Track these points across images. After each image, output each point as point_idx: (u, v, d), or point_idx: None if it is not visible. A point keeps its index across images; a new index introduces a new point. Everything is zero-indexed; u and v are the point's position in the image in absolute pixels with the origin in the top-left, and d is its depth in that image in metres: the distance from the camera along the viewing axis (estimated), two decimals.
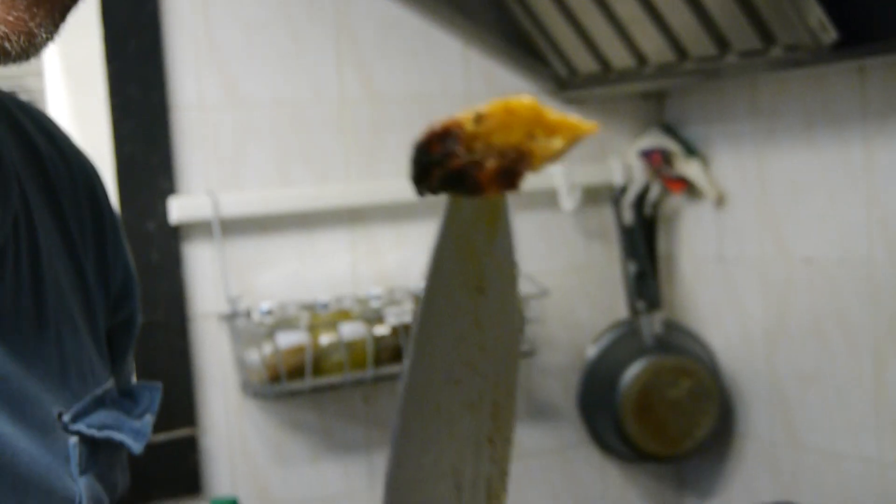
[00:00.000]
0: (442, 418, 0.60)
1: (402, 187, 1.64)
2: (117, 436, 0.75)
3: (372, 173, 1.70)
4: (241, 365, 1.58)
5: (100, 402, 0.75)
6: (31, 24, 0.61)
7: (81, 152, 0.85)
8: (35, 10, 0.61)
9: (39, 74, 1.75)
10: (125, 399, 0.80)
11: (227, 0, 1.61)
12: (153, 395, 0.82)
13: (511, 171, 0.54)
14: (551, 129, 0.54)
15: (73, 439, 0.71)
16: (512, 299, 0.62)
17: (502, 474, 0.65)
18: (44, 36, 0.62)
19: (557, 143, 0.54)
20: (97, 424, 0.73)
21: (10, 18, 0.60)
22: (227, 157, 1.61)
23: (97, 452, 0.73)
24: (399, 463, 0.60)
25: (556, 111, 0.54)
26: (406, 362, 0.58)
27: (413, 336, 0.58)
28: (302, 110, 1.65)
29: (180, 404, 1.56)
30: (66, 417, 0.71)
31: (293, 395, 1.57)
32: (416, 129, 1.61)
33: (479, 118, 0.53)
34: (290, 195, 1.63)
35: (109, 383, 0.78)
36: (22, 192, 0.74)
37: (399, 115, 1.72)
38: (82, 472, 0.71)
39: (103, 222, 0.82)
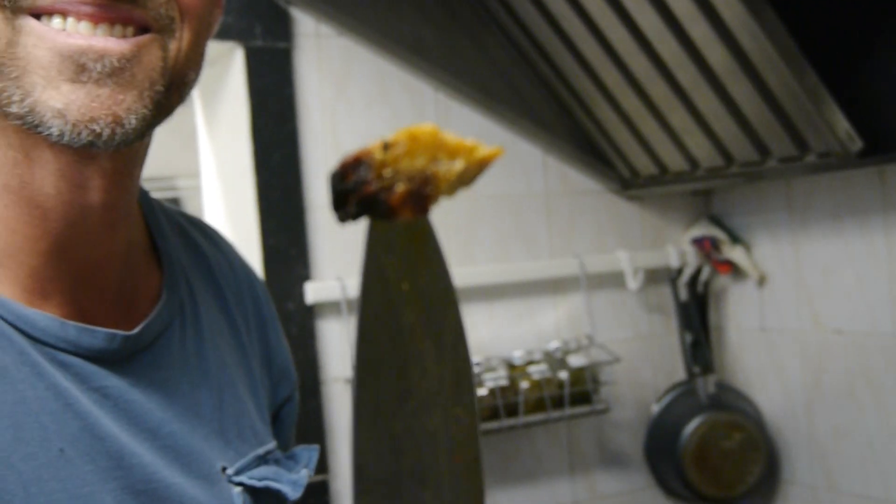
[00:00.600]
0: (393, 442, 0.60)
1: (493, 271, 1.92)
2: (275, 485, 0.79)
3: (468, 260, 1.95)
4: None
5: (262, 460, 0.80)
6: (117, 110, 0.63)
7: (243, 258, 0.94)
8: (120, 97, 0.63)
9: (195, 176, 1.99)
10: (287, 459, 0.85)
11: (351, 117, 1.86)
12: (311, 454, 0.86)
13: (420, 194, 0.56)
14: (452, 153, 0.56)
15: (238, 489, 0.75)
16: (452, 314, 0.61)
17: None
18: (133, 123, 0.64)
19: (459, 164, 0.56)
20: (258, 476, 0.78)
21: (95, 105, 0.62)
22: (351, 247, 1.85)
23: (259, 501, 0.78)
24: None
25: (455, 136, 0.56)
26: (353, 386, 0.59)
27: (354, 363, 0.58)
28: None
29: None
30: (230, 471, 0.75)
31: None
32: (504, 223, 1.92)
33: (386, 146, 0.55)
34: None
35: (272, 445, 0.83)
36: (189, 285, 0.82)
37: (489, 211, 1.98)
38: None
39: (264, 316, 0.91)
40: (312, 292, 1.81)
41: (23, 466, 0.63)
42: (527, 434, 1.98)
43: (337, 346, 1.84)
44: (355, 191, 0.55)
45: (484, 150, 0.57)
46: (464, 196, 1.83)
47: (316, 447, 0.88)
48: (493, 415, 1.83)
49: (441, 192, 0.56)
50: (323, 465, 1.80)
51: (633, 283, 2.04)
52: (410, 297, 0.59)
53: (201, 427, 0.76)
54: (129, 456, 0.69)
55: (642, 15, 1.66)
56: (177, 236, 0.86)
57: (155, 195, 0.88)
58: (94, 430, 0.67)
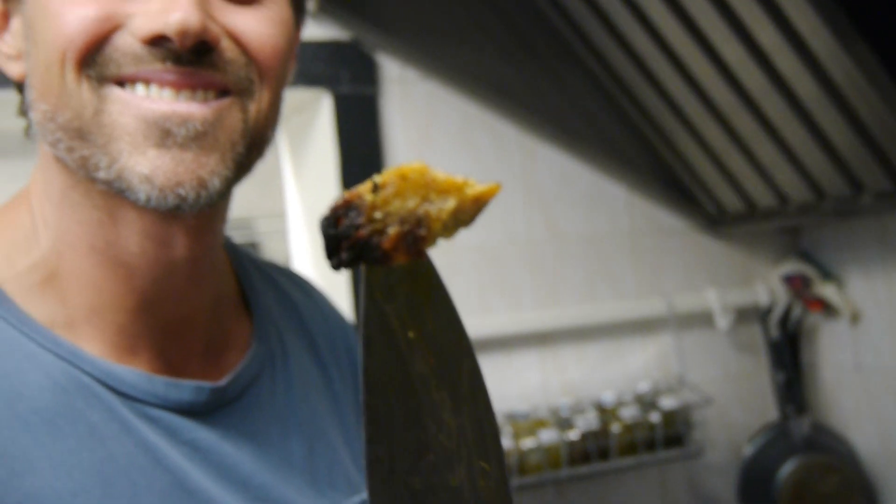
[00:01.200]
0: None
1: (581, 312, 1.88)
2: None
3: (555, 301, 1.92)
4: None
5: None
6: (201, 173, 0.64)
7: (335, 307, 0.94)
8: (204, 160, 0.64)
9: (275, 217, 1.98)
10: None
11: (437, 161, 1.83)
12: None
13: (413, 236, 0.53)
14: (443, 191, 0.54)
15: None
16: (467, 362, 0.59)
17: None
18: (216, 184, 0.65)
19: (451, 203, 0.54)
20: None
21: (180, 169, 0.63)
22: None
23: None
24: None
25: (445, 173, 0.53)
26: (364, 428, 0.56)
27: (363, 408, 0.56)
28: (498, 249, 1.89)
29: None
30: None
31: None
32: (591, 264, 1.88)
33: (376, 187, 0.52)
34: (490, 322, 1.86)
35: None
36: (279, 336, 0.82)
37: (576, 251, 1.95)
38: None
39: (357, 363, 0.90)
40: None
41: None
42: (618, 478, 1.94)
43: None
44: (347, 236, 0.52)
45: (477, 188, 0.55)
46: (549, 237, 1.82)
47: None
48: (584, 458, 1.79)
49: (436, 233, 0.54)
50: None
51: (722, 321, 1.99)
52: (418, 345, 0.56)
53: (293, 477, 0.75)
54: None
55: (727, 47, 1.63)
56: (267, 287, 0.87)
57: (235, 238, 0.88)
58: (185, 484, 0.67)
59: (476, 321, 1.85)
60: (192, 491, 0.68)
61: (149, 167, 0.63)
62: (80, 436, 0.65)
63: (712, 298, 1.99)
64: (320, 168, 1.84)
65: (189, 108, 0.64)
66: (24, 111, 0.72)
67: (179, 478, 0.67)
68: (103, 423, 0.66)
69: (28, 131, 0.72)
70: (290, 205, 2.00)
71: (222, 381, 0.74)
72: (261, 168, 0.75)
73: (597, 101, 1.94)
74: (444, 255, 1.84)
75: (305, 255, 1.93)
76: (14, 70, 0.71)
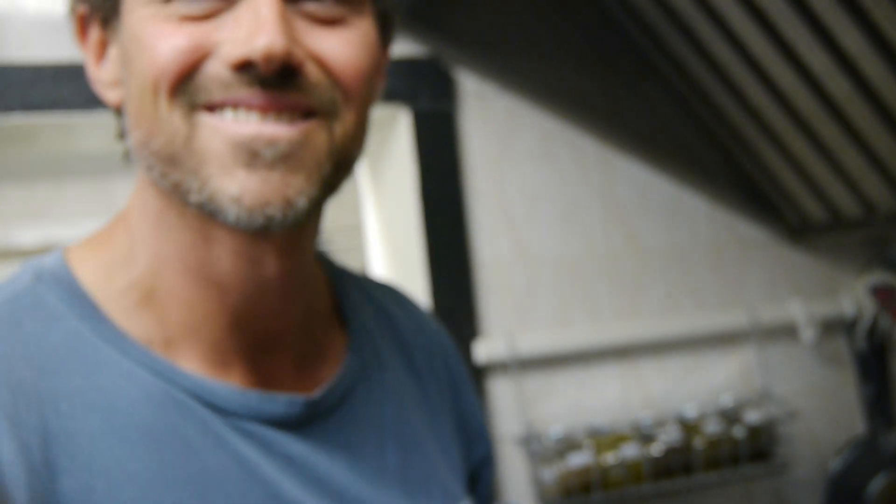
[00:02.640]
0: None
1: (662, 325, 1.83)
2: None
3: (636, 314, 1.86)
4: (537, 481, 1.75)
5: None
6: (288, 193, 0.64)
7: (435, 323, 0.94)
8: (291, 180, 0.65)
9: (351, 231, 1.96)
10: None
11: (516, 176, 1.81)
12: None
13: None
14: None
15: None
16: None
17: None
18: (303, 204, 0.65)
19: None
20: None
21: (267, 189, 0.64)
22: (520, 304, 1.79)
23: None
24: None
25: None
26: None
27: None
28: (578, 263, 1.84)
29: None
30: None
31: None
32: (672, 276, 1.83)
33: None
34: (571, 335, 1.81)
35: (465, 502, 0.82)
36: (375, 348, 0.83)
37: (657, 264, 1.89)
38: None
39: (455, 378, 0.91)
40: (482, 351, 1.75)
41: None
42: (701, 494, 1.87)
43: (506, 405, 1.77)
44: None
45: None
46: (629, 249, 1.75)
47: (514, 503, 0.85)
48: (667, 473, 1.73)
49: None
50: None
51: (807, 333, 1.91)
52: None
53: (388, 488, 0.75)
54: None
55: (811, 54, 1.56)
56: (363, 300, 0.87)
57: None
58: (280, 496, 0.67)
59: (556, 335, 1.81)
60: (287, 503, 0.68)
61: (238, 188, 0.64)
62: (176, 449, 0.65)
63: (796, 310, 1.91)
64: (398, 184, 1.81)
65: (275, 129, 0.65)
66: (122, 135, 0.73)
67: (274, 490, 0.67)
68: (198, 436, 0.67)
69: (127, 156, 0.73)
70: (368, 220, 1.97)
71: (316, 394, 0.74)
72: None
73: (676, 112, 1.89)
74: (524, 269, 1.80)
75: (382, 271, 1.90)
76: (112, 97, 0.72)
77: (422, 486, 0.78)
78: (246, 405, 0.70)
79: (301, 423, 0.72)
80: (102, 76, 0.73)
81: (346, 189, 0.78)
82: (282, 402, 0.71)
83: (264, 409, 0.70)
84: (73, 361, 0.66)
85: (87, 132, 1.71)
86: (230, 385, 0.70)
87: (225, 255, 0.69)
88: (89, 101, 1.56)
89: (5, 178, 3.36)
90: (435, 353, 0.90)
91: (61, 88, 1.55)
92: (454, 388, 0.90)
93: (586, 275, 1.84)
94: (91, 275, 0.71)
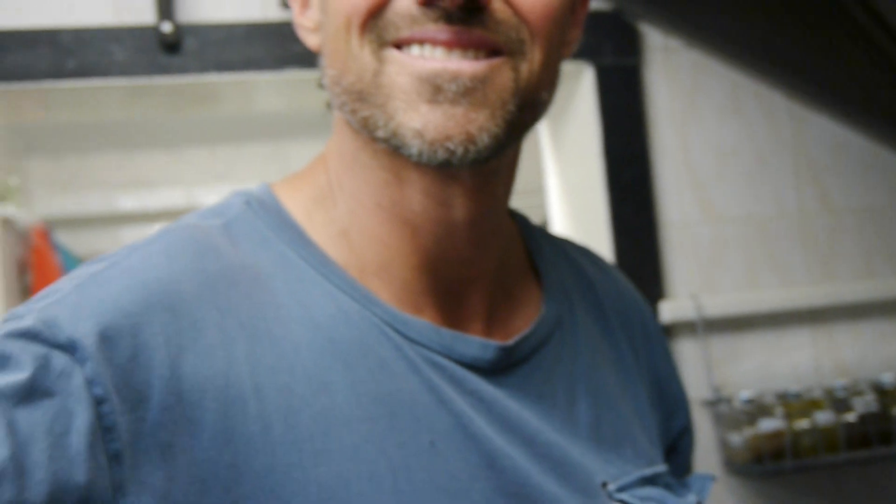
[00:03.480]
0: None
1: (857, 288, 1.73)
2: None
3: (829, 276, 1.77)
4: (724, 445, 1.68)
5: (648, 482, 0.76)
6: (470, 128, 0.64)
7: (633, 290, 0.91)
8: (473, 115, 0.64)
9: (532, 193, 1.92)
10: (678, 486, 0.80)
11: (702, 131, 1.74)
12: (705, 482, 0.81)
13: None
14: None
15: None
16: None
17: None
18: (485, 140, 0.65)
19: None
20: (642, 496, 0.73)
21: (450, 124, 0.64)
22: (706, 265, 1.73)
23: None
24: None
25: None
26: None
27: None
28: (767, 223, 1.76)
29: None
30: (611, 486, 0.72)
31: (771, 474, 1.65)
32: (867, 238, 1.72)
33: None
34: (760, 297, 1.73)
35: (661, 468, 0.78)
36: (570, 304, 0.81)
37: (851, 224, 1.79)
38: None
39: (653, 344, 0.88)
40: (667, 312, 1.69)
41: (394, 453, 0.63)
42: None
43: (693, 366, 1.71)
44: None
45: None
46: (821, 209, 1.65)
47: (711, 475, 0.82)
48: (863, 442, 1.64)
49: None
50: None
51: None
52: None
53: (578, 442, 0.73)
54: (501, 458, 0.67)
55: None
56: (559, 259, 0.85)
57: None
58: (467, 429, 0.66)
59: (744, 297, 1.73)
60: (475, 437, 0.66)
61: (420, 122, 0.64)
62: (371, 368, 0.66)
63: None
64: (581, 142, 1.76)
65: (460, 65, 0.64)
66: (321, 84, 0.73)
67: (463, 422, 0.66)
68: (392, 359, 0.67)
69: (328, 104, 0.73)
70: (549, 181, 1.93)
71: (510, 342, 0.72)
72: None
73: (873, 66, 1.77)
74: (710, 228, 1.73)
75: (564, 231, 1.86)
76: (312, 41, 0.75)
77: (614, 444, 0.76)
78: (439, 341, 0.69)
79: (493, 369, 0.71)
80: (305, 22, 0.75)
81: (527, 151, 0.76)
82: (475, 344, 0.70)
83: (457, 348, 0.70)
84: (280, 279, 0.68)
85: (266, 93, 1.73)
86: (423, 321, 0.70)
87: (415, 196, 0.69)
88: (278, 60, 1.56)
89: (188, 140, 3.46)
90: (632, 318, 0.87)
91: (252, 48, 1.56)
92: (651, 355, 0.87)
93: (776, 235, 1.76)
94: (295, 207, 0.73)
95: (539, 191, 2.01)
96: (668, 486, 0.78)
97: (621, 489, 0.73)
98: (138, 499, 0.56)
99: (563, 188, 1.87)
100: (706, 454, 1.71)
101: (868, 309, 1.77)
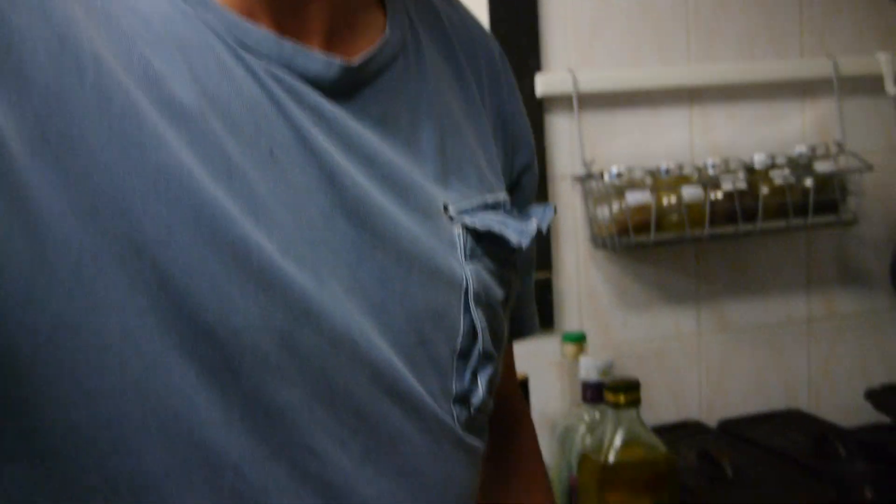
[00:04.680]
0: None
1: (737, 69, 1.69)
2: (499, 229, 0.72)
3: (710, 56, 1.72)
4: (592, 220, 1.66)
5: (489, 208, 0.74)
6: None
7: (482, 27, 0.86)
8: None
9: None
10: (520, 214, 0.78)
11: None
12: (546, 210, 0.79)
13: None
14: None
15: (458, 228, 0.70)
16: None
17: None
18: None
19: None
20: (482, 219, 0.72)
21: None
22: (585, 38, 1.66)
23: (481, 244, 0.71)
24: None
25: None
26: None
27: None
28: None
29: (539, 252, 1.65)
30: (452, 209, 0.70)
31: (636, 248, 1.64)
32: (752, 17, 1.66)
33: None
34: (638, 74, 1.69)
35: (502, 196, 0.77)
36: (413, 28, 0.76)
37: (736, 6, 1.73)
38: (468, 259, 0.70)
39: (499, 78, 0.84)
40: (542, 85, 1.63)
41: (233, 154, 0.58)
42: (763, 243, 1.77)
43: (566, 142, 1.67)
44: None
45: None
46: None
47: (552, 205, 0.79)
48: (730, 219, 1.62)
49: None
50: (547, 263, 1.67)
51: (892, 86, 1.75)
52: None
53: (421, 166, 0.70)
54: (341, 175, 0.63)
55: None
56: None
57: None
58: (307, 142, 0.62)
59: (622, 73, 1.68)
60: (315, 151, 0.62)
61: None
62: (209, 67, 0.60)
63: (883, 61, 1.74)
64: None
65: None
66: None
67: (303, 135, 0.62)
68: (231, 64, 0.61)
69: None
70: None
71: (354, 61, 0.67)
72: None
73: None
74: (591, 1, 1.65)
75: None
76: None
77: (457, 171, 0.73)
78: (279, 53, 0.63)
79: (335, 89, 0.65)
80: None
81: None
82: (319, 60, 0.64)
83: (298, 62, 0.64)
84: None
85: None
86: (263, 29, 0.63)
87: None
88: None
89: None
90: (478, 51, 0.82)
91: None
92: (496, 88, 0.83)
93: (660, 10, 1.69)
94: None
95: None
96: (507, 212, 0.76)
97: (462, 212, 0.71)
98: None
99: None
100: (576, 230, 1.69)
101: (746, 90, 1.74)
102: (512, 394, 0.91)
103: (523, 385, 1.53)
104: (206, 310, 0.55)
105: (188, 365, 0.55)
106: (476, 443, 0.72)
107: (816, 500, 1.41)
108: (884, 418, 1.70)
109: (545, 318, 1.68)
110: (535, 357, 1.63)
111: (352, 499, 0.62)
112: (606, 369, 1.52)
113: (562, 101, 1.65)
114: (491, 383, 0.71)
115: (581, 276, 1.70)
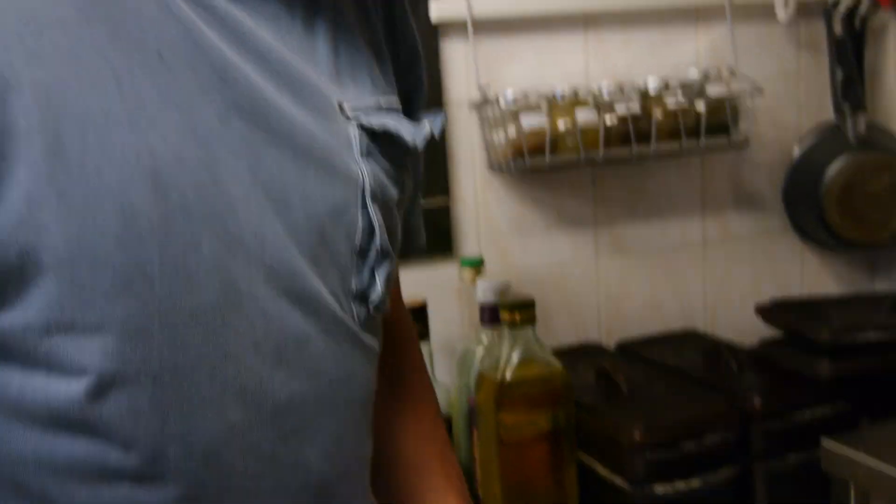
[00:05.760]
0: None
1: None
2: (394, 127, 0.71)
3: None
4: (488, 145, 1.65)
5: (383, 110, 0.74)
6: None
7: None
8: None
9: None
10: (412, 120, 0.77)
11: None
12: (438, 117, 0.78)
13: None
14: None
15: (353, 126, 0.69)
16: None
17: None
18: None
19: None
20: (377, 119, 0.71)
21: None
22: None
23: (376, 143, 0.71)
24: None
25: None
26: None
27: None
28: None
29: (437, 178, 1.65)
30: (347, 108, 0.69)
31: (532, 172, 1.64)
32: None
33: None
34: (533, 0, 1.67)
35: (395, 101, 0.76)
36: None
37: None
38: (364, 157, 0.69)
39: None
40: (437, 10, 1.61)
41: (118, 61, 0.56)
42: (658, 168, 1.78)
43: (462, 68, 1.65)
44: None
45: None
46: None
47: (443, 113, 0.79)
48: (625, 142, 1.62)
49: None
50: (444, 189, 1.66)
51: (783, 13, 1.76)
52: None
53: (316, 65, 0.68)
54: (234, 71, 0.61)
55: None
56: None
57: None
58: (197, 40, 0.60)
59: None
60: (205, 49, 0.60)
61: None
62: None
63: None
64: None
65: None
66: None
67: (191, 33, 0.59)
68: None
69: None
70: None
71: None
72: None
73: None
74: None
75: None
76: None
77: (352, 74, 0.71)
78: None
79: None
80: None
81: None
82: None
83: None
84: None
85: None
86: None
87: None
88: None
89: None
90: None
91: None
92: (390, 6, 0.80)
93: None
94: None
95: None
96: (400, 115, 0.75)
97: (357, 111, 0.70)
98: None
99: None
100: (472, 156, 1.68)
101: (640, 16, 1.73)
102: (400, 318, 0.92)
103: (422, 310, 1.52)
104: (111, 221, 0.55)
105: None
106: (373, 343, 0.72)
107: (707, 410, 1.43)
108: (777, 334, 1.72)
109: (444, 245, 1.67)
110: (434, 283, 1.63)
111: (266, 404, 0.62)
112: (503, 291, 1.52)
113: (457, 27, 1.63)
114: (388, 281, 0.71)
115: (479, 201, 1.69)
